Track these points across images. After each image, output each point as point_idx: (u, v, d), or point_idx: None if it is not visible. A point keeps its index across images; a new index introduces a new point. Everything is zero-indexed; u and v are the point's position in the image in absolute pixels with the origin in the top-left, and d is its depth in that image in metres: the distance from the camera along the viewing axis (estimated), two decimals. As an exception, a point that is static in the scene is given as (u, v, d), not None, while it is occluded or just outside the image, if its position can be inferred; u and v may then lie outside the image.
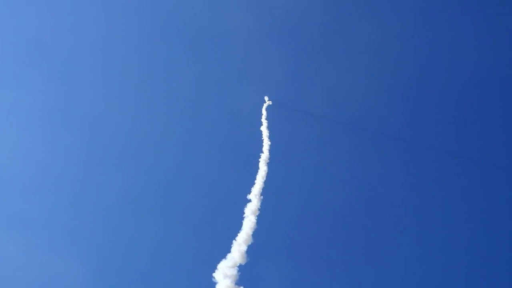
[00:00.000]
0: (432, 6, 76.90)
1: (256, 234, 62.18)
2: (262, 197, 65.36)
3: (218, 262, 55.61)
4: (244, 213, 62.94)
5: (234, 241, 60.03)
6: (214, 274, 54.75)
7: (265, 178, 67.65)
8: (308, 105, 74.24)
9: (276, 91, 73.71)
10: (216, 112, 72.93)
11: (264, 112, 72.98)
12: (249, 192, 64.60)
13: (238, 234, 61.41)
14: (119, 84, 72.79)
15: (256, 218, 63.62)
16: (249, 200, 64.11)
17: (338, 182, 71.74)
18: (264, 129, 71.67)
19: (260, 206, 64.97)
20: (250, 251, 59.09)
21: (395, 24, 77.39)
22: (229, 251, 58.07)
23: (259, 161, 68.65)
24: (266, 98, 73.59)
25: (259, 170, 68.20)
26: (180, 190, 69.65)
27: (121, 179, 68.77)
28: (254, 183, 67.06)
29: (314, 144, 72.74)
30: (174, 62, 74.74)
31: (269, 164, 69.03)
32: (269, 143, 70.37)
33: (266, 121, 72.51)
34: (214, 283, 53.93)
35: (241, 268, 57.86)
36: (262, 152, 69.48)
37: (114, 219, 69.33)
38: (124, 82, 73.50)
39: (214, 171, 70.16)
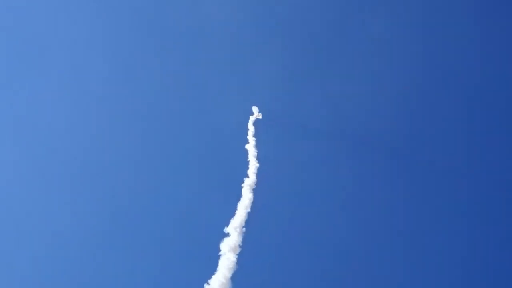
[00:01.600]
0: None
1: (236, 276, 50.70)
2: (244, 229, 53.10)
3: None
4: (220, 249, 50.88)
5: (206, 285, 48.82)
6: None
7: (249, 209, 55.07)
8: (306, 119, 61.49)
9: (267, 101, 60.77)
10: (191, 125, 59.87)
11: (251, 127, 60.32)
12: (227, 225, 52.37)
13: (212, 277, 49.47)
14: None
15: (237, 256, 51.47)
16: (227, 234, 51.99)
17: (340, 215, 58.58)
18: (250, 148, 58.84)
19: (242, 242, 52.66)
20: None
21: (404, 24, 64.68)
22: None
23: (242, 187, 56.24)
24: (255, 109, 61.13)
25: (242, 198, 55.46)
26: (142, 219, 56.29)
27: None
28: (234, 214, 54.61)
29: (313, 167, 59.75)
30: (142, 59, 61.62)
31: (255, 191, 56.33)
32: (257, 165, 57.71)
33: (253, 138, 59.79)
34: None
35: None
36: (247, 176, 56.97)
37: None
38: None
39: (184, 198, 56.93)
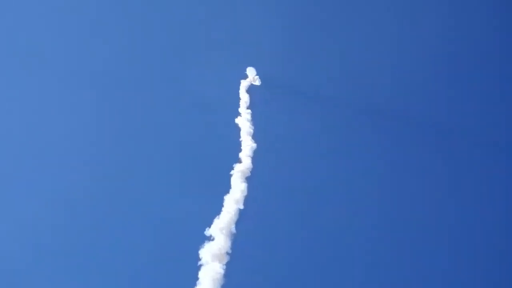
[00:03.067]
0: None
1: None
2: (234, 231, 39.52)
3: None
4: (199, 257, 37.40)
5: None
6: None
7: (241, 205, 41.19)
8: (316, 87, 47.08)
9: (265, 64, 46.16)
10: (164, 91, 45.30)
11: (244, 95, 46.00)
12: (209, 226, 38.65)
13: (193, 290, 36.10)
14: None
15: (224, 267, 37.87)
16: (210, 238, 38.39)
17: (360, 212, 44.81)
18: (243, 123, 44.77)
19: (231, 248, 39.03)
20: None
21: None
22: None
23: (230, 176, 42.35)
24: (250, 72, 46.64)
25: (230, 190, 41.59)
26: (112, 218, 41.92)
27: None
28: (220, 211, 40.79)
29: (326, 147, 46.03)
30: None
31: (249, 181, 42.42)
32: (253, 145, 43.78)
33: (248, 111, 45.65)
34: None
35: None
36: (238, 161, 42.99)
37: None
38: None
39: (151, 191, 42.32)
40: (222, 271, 37.36)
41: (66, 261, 40.67)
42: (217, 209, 39.53)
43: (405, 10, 48.86)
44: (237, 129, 42.83)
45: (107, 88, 44.77)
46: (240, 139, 42.83)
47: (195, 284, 36.95)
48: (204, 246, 37.60)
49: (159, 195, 42.05)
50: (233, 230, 38.86)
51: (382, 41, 48.07)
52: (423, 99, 47.39)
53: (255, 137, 43.36)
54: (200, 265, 37.41)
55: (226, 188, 40.65)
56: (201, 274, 37.09)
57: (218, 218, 39.03)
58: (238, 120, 43.06)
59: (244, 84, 44.57)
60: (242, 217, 39.81)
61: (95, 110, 44.63)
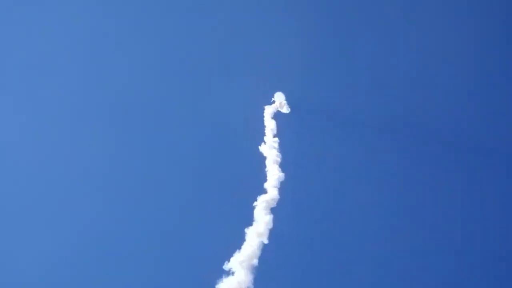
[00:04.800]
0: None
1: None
2: (255, 265, 36.70)
3: None
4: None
5: None
6: None
7: (265, 239, 38.48)
8: (351, 112, 44.35)
9: (293, 88, 43.84)
10: (185, 120, 43.39)
11: (269, 122, 43.66)
12: (228, 261, 36.11)
13: None
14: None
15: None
16: (229, 272, 35.79)
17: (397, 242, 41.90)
18: (269, 151, 42.39)
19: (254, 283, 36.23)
20: None
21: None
22: None
23: (254, 208, 39.74)
24: (277, 97, 44.22)
25: (254, 223, 38.98)
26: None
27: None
28: (240, 246, 38.24)
29: (361, 178, 43.34)
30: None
31: (274, 212, 39.81)
32: (280, 175, 41.04)
33: (275, 139, 43.20)
34: None
35: None
36: (262, 192, 40.43)
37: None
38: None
39: (169, 222, 40.20)
40: (244, 307, 34.94)
41: None
42: (239, 243, 37.23)
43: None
44: (260, 158, 40.54)
45: (130, 114, 43.46)
46: (266, 169, 40.47)
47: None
48: (223, 281, 35.30)
49: (178, 226, 40.12)
50: (255, 264, 36.40)
51: (415, 63, 45.23)
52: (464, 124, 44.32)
53: (282, 166, 40.92)
54: (220, 302, 35.07)
55: (249, 220, 38.32)
56: (222, 309, 34.74)
57: (239, 252, 36.69)
58: (262, 148, 40.70)
59: (269, 111, 42.23)
60: (266, 251, 37.27)
61: (118, 132, 43.37)
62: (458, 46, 45.64)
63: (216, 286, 34.99)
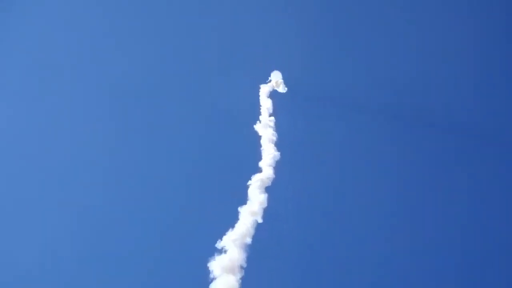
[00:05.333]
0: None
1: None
2: (249, 243, 36.91)
3: None
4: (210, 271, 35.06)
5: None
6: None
7: (259, 218, 38.21)
8: (349, 94, 43.99)
9: (290, 68, 43.51)
10: (179, 98, 43.21)
11: (265, 101, 43.54)
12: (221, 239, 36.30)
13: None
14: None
15: (239, 280, 35.26)
16: (221, 250, 35.77)
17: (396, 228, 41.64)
18: (264, 130, 42.30)
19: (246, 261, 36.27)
20: None
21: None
22: None
23: (248, 186, 39.69)
24: (274, 76, 43.97)
25: (248, 201, 38.89)
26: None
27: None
28: (234, 224, 38.23)
29: (359, 159, 43.15)
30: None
31: (269, 191, 39.77)
32: (276, 154, 40.93)
33: (271, 118, 43.04)
34: None
35: None
36: (257, 170, 40.38)
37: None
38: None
39: (160, 199, 40.31)
40: (237, 285, 34.92)
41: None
42: (233, 222, 37.23)
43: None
44: (255, 137, 40.39)
45: (128, 93, 43.30)
46: (261, 148, 40.33)
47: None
48: (215, 259, 35.28)
49: (171, 204, 40.15)
50: (249, 242, 36.36)
51: (416, 47, 44.71)
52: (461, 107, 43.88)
53: (278, 145, 40.78)
54: (212, 279, 35.12)
55: (244, 199, 38.27)
56: (213, 287, 34.70)
57: (232, 230, 36.71)
58: (257, 127, 40.52)
59: (265, 89, 41.98)
60: (260, 230, 37.26)
61: (116, 110, 43.40)
62: (461, 29, 45.20)
63: (208, 264, 35.07)
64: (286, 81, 42.41)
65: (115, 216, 39.89)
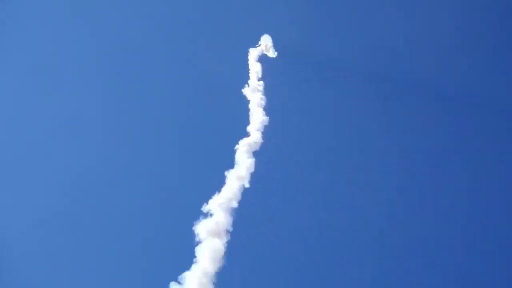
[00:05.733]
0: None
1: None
2: (235, 207, 36.39)
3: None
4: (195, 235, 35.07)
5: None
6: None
7: (247, 182, 37.80)
8: (339, 56, 43.46)
9: (279, 31, 42.88)
10: (165, 59, 42.64)
11: (254, 65, 42.96)
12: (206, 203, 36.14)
13: (186, 272, 32.95)
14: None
15: (225, 245, 35.37)
16: (207, 215, 35.51)
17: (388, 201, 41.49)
18: (252, 94, 41.83)
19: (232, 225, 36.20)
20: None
21: None
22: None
23: (235, 151, 39.39)
24: (264, 39, 42.67)
25: (235, 166, 38.76)
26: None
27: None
28: (220, 188, 38.10)
29: (351, 122, 42.87)
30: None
31: (257, 156, 39.48)
32: (264, 119, 40.52)
33: (260, 82, 42.58)
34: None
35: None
36: (245, 135, 40.01)
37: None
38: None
39: (147, 163, 40.17)
40: (223, 248, 34.89)
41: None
42: (219, 186, 37.11)
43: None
44: (243, 101, 40.01)
45: (113, 55, 42.69)
46: (249, 112, 39.98)
47: (192, 262, 34.83)
48: (201, 222, 35.19)
49: (157, 167, 40.04)
50: (235, 206, 36.26)
51: (409, 14, 44.05)
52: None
53: (267, 110, 40.43)
54: (198, 242, 35.09)
55: (231, 163, 38.08)
56: (198, 250, 34.68)
57: (218, 194, 36.59)
58: (245, 91, 40.15)
59: (254, 53, 41.41)
60: (247, 195, 37.15)
61: (104, 83, 42.87)
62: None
63: (194, 228, 35.04)
64: (276, 46, 41.97)
65: (101, 180, 39.82)
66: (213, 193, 36.15)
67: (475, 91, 43.29)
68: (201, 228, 34.84)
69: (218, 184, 36.73)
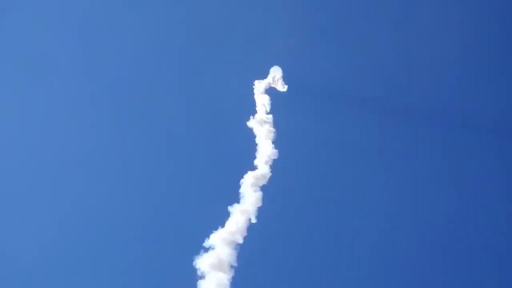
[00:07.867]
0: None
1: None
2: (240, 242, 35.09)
3: None
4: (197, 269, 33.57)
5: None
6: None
7: (253, 218, 36.84)
8: (349, 89, 42.71)
9: (289, 64, 42.12)
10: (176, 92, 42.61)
11: (260, 97, 42.09)
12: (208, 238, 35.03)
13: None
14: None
15: (231, 279, 34.00)
16: (209, 248, 34.48)
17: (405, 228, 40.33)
18: (259, 127, 40.86)
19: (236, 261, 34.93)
20: None
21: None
22: None
23: (240, 185, 38.39)
24: (274, 71, 42.08)
25: (241, 200, 37.56)
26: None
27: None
28: (223, 223, 36.97)
29: (361, 158, 41.82)
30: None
31: (264, 190, 38.36)
32: (274, 152, 39.34)
33: (268, 116, 41.50)
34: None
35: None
36: (252, 168, 38.97)
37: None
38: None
39: (149, 196, 39.74)
40: (227, 283, 33.79)
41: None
42: (223, 220, 36.19)
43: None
44: (250, 134, 39.15)
45: (121, 88, 43.04)
46: (257, 145, 39.04)
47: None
48: (202, 256, 34.18)
49: (163, 199, 39.52)
50: (239, 241, 35.18)
51: (412, 45, 43.11)
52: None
53: (276, 143, 39.47)
54: (200, 276, 34.07)
55: (234, 198, 37.05)
56: (201, 284, 33.61)
57: (222, 228, 35.63)
58: (251, 124, 39.35)
59: (260, 85, 40.84)
60: (254, 231, 36.10)
61: (109, 106, 43.06)
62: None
63: (194, 262, 34.11)
64: (286, 78, 41.26)
65: (105, 212, 39.51)
66: (216, 228, 35.38)
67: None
68: (203, 262, 33.98)
69: (222, 218, 35.93)
